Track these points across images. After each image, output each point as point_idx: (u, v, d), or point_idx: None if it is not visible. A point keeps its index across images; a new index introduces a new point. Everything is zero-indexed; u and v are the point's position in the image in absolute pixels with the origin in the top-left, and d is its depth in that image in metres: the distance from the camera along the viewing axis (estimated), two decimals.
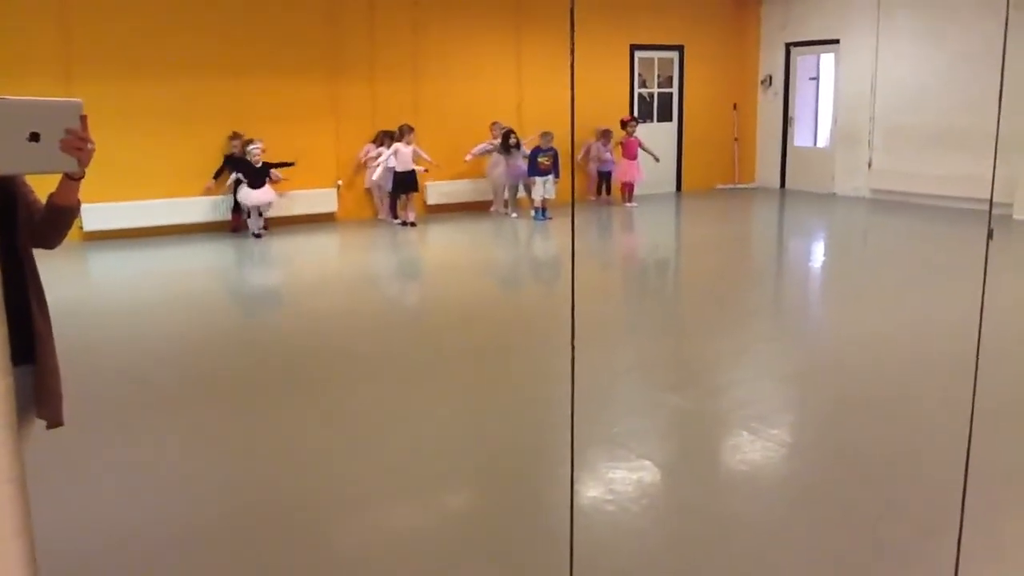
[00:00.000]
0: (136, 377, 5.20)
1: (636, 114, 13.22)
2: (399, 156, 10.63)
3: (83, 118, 2.03)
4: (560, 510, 3.24)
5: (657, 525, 3.36)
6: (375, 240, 10.26)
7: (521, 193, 11.74)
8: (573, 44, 1.76)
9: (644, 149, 12.47)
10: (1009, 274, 7.55)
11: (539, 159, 11.23)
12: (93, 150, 2.06)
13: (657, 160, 12.67)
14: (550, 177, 11.27)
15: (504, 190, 11.75)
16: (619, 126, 12.53)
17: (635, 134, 12.45)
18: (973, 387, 2.48)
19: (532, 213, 11.33)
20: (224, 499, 3.58)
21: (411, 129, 10.71)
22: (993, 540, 3.12)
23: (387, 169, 10.77)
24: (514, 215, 11.52)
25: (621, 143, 12.46)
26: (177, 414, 4.58)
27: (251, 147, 9.90)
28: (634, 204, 12.42)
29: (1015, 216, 10.55)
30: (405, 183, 10.78)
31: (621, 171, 12.51)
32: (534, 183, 11.38)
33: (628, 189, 12.56)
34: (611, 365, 5.33)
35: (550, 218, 11.15)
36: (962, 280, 7.17)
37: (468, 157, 11.49)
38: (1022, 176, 10.45)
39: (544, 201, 11.23)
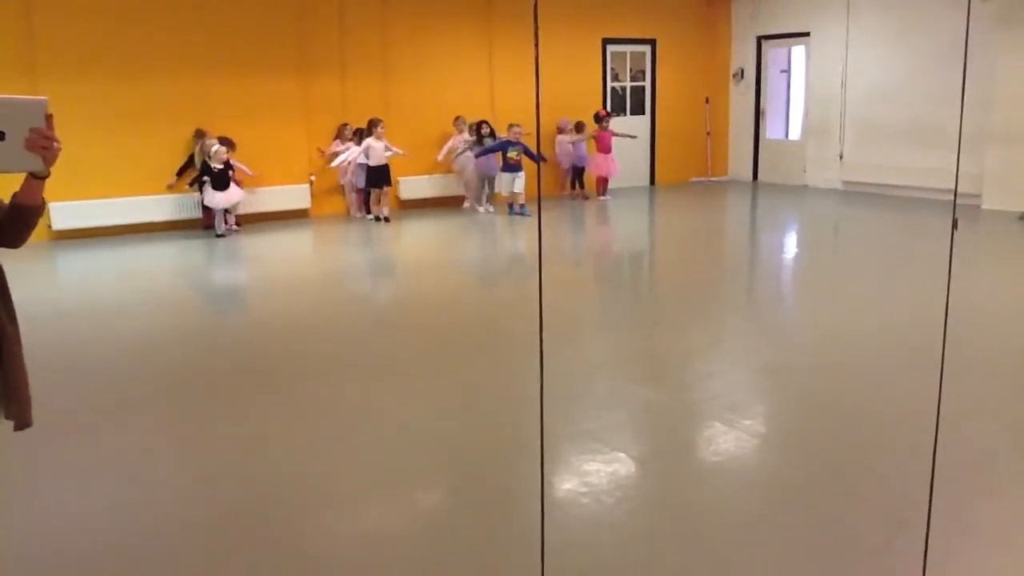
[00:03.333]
0: (104, 377, 5.15)
1: (609, 108, 13.24)
2: (371, 151, 10.54)
3: (49, 116, 2.01)
4: (533, 503, 3.25)
5: (631, 517, 3.38)
6: (348, 237, 10.21)
7: (498, 188, 11.52)
8: (537, 37, 1.76)
9: (619, 135, 12.46)
10: (978, 263, 7.66)
11: (509, 154, 11.11)
12: (59, 149, 2.04)
13: (634, 137, 12.87)
14: (521, 173, 11.12)
15: (479, 184, 11.65)
16: (593, 120, 12.50)
17: (609, 127, 12.44)
18: (940, 377, 2.52)
19: (508, 209, 11.26)
20: (191, 500, 3.56)
21: (379, 121, 10.62)
22: (961, 531, 3.17)
23: (359, 165, 10.72)
24: (490, 210, 11.43)
25: (595, 137, 12.43)
26: (145, 414, 4.54)
27: (212, 150, 9.70)
28: (608, 198, 12.44)
29: (983, 206, 10.69)
30: (378, 177, 10.69)
31: (596, 165, 12.47)
32: (498, 177, 11.31)
33: (603, 183, 12.57)
34: (585, 359, 5.35)
35: (528, 215, 11.03)
36: (931, 270, 7.26)
37: (440, 158, 11.56)
38: (989, 167, 10.60)
39: (516, 196, 11.11)
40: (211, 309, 7.25)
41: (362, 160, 10.63)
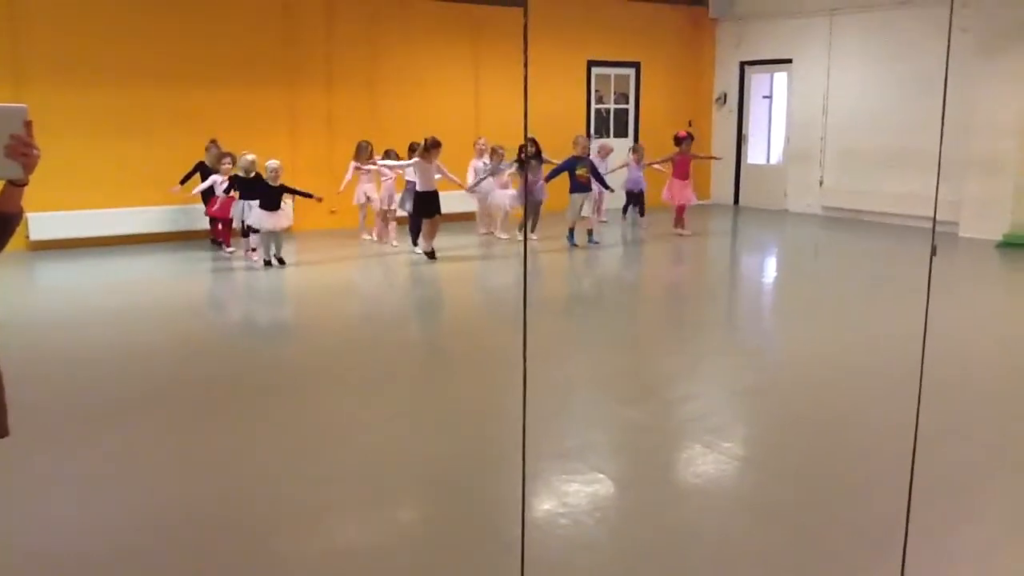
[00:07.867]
0: (82, 389, 5.09)
1: (593, 130, 13.26)
2: (421, 172, 9.14)
3: (28, 124, 2.00)
4: (513, 523, 3.23)
5: (610, 538, 3.36)
6: (337, 252, 10.13)
7: (570, 215, 9.94)
8: (526, 59, 1.77)
9: (700, 157, 11.34)
10: (955, 290, 7.73)
11: (577, 172, 9.88)
12: (38, 157, 2.02)
13: (719, 159, 12.95)
14: (591, 193, 10.03)
15: (529, 215, 10.39)
16: (672, 143, 11.30)
17: (689, 152, 11.18)
18: (917, 401, 2.53)
19: (587, 237, 10.11)
20: (170, 513, 3.51)
21: (437, 144, 9.16)
22: (937, 552, 3.18)
23: (404, 188, 9.70)
24: (533, 237, 9.98)
25: (672, 160, 11.14)
26: (123, 427, 4.48)
27: (269, 164, 8.64)
28: (687, 231, 11.04)
29: (961, 234, 10.80)
30: (427, 204, 9.18)
31: (675, 194, 11.10)
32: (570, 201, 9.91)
33: (680, 212, 11.18)
34: (566, 379, 5.33)
35: (596, 243, 10.03)
36: (909, 296, 7.31)
37: (467, 189, 10.52)
38: (967, 195, 10.72)
39: (587, 220, 9.94)
40: (192, 323, 7.16)
41: (407, 176, 9.56)
